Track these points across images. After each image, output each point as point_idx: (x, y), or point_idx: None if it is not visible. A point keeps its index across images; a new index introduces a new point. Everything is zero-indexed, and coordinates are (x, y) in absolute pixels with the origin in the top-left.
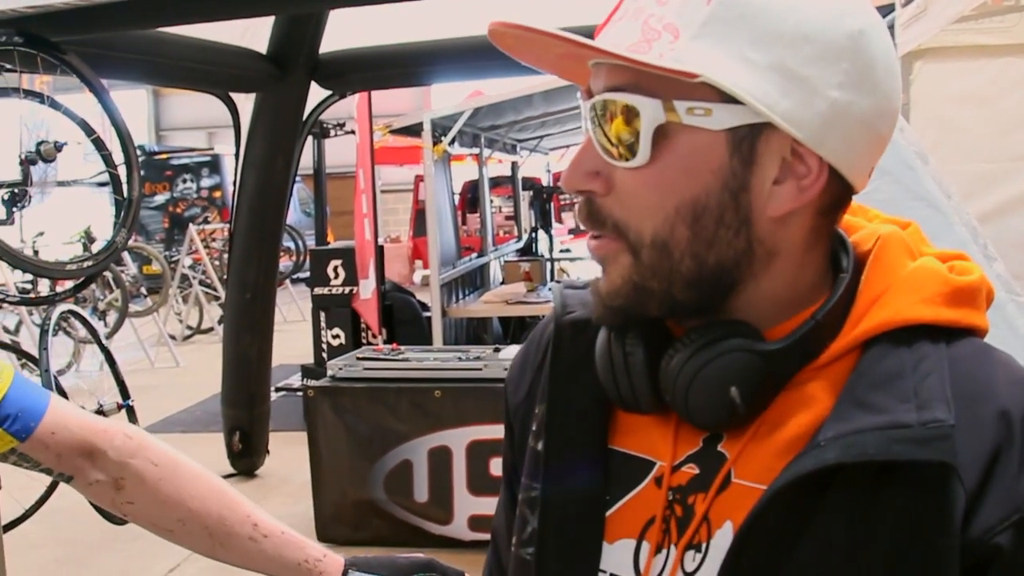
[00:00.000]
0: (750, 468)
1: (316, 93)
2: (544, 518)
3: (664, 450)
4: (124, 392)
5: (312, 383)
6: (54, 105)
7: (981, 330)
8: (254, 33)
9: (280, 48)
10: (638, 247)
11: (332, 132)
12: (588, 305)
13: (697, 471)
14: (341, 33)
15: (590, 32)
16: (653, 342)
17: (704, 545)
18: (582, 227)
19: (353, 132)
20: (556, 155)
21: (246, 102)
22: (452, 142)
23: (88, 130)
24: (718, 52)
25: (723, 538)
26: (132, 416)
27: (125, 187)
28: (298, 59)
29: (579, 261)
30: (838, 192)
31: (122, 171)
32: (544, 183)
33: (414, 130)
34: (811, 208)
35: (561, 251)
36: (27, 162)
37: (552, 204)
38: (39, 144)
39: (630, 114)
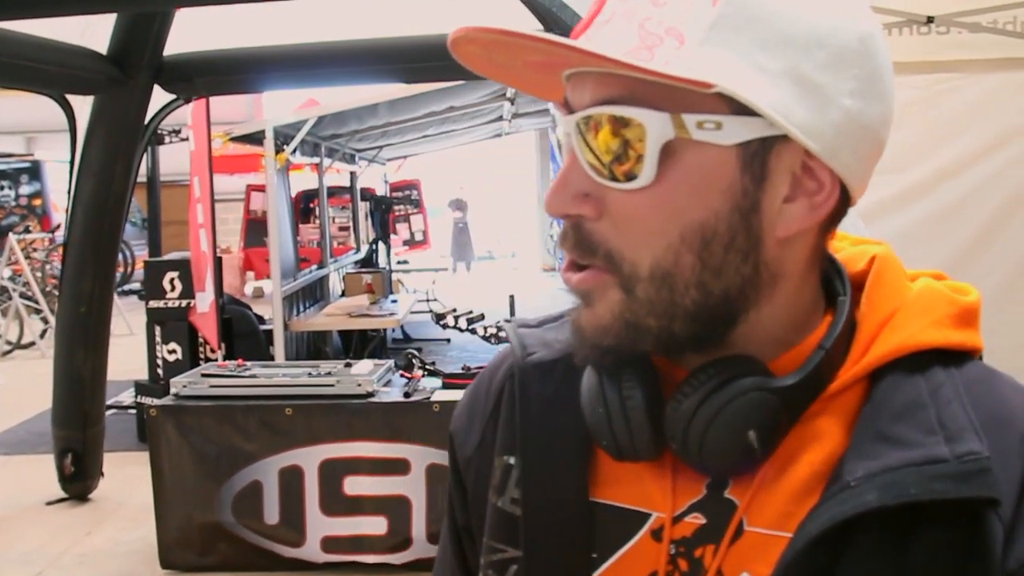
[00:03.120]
0: (764, 514)
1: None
2: None
3: (660, 500)
4: None
5: (153, 402)
6: None
7: (980, 351)
8: (94, 32)
9: (121, 49)
10: (632, 281)
11: (167, 139)
12: (549, 345)
13: (704, 521)
14: (186, 36)
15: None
16: (647, 383)
17: None
18: (563, 253)
19: (188, 139)
20: (393, 165)
21: (83, 105)
22: (293, 151)
23: None
24: (729, 59)
25: None
26: None
27: None
28: (141, 61)
29: (414, 273)
30: (840, 207)
31: None
32: (379, 194)
33: (256, 138)
34: (816, 226)
35: (399, 263)
36: None
37: (389, 215)
38: None
39: (630, 130)
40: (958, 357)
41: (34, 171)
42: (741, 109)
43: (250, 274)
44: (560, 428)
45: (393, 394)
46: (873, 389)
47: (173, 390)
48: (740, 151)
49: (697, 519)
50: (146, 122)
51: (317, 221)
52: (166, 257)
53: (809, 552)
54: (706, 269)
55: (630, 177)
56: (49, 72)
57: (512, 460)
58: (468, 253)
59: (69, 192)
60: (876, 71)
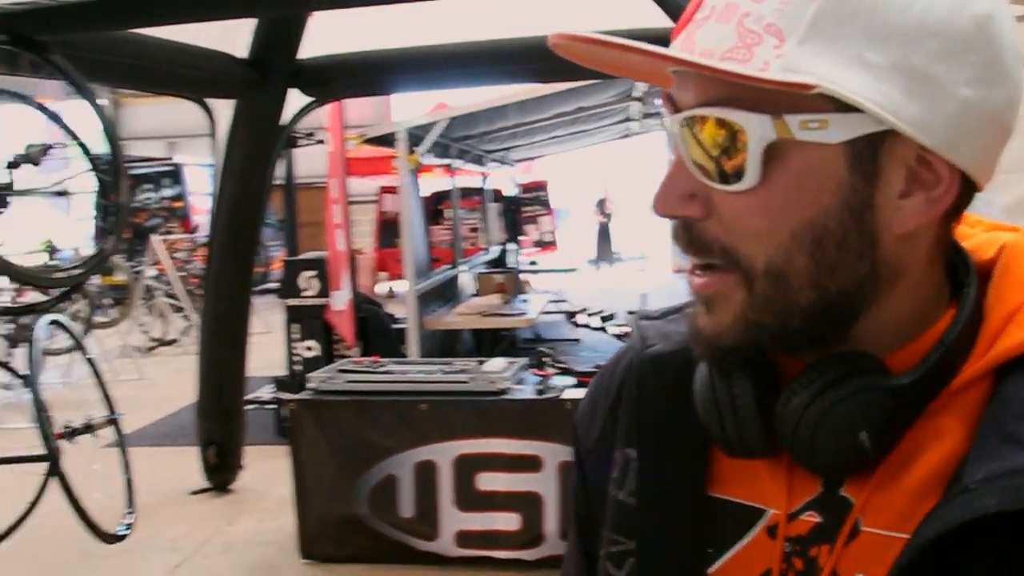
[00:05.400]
0: (882, 515)
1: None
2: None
3: (776, 497)
4: (110, 405)
5: (293, 396)
6: (41, 108)
7: None
8: (232, 38)
9: (260, 52)
10: (751, 276)
11: (301, 142)
12: (669, 337)
13: (819, 519)
14: (321, 40)
15: (665, 34)
16: (760, 379)
17: None
18: (682, 252)
19: (322, 142)
20: (522, 167)
21: (223, 108)
22: (425, 153)
23: (74, 134)
24: (831, 56)
25: None
26: (118, 429)
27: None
28: (278, 64)
29: (543, 273)
30: (963, 196)
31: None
32: (508, 195)
33: (388, 140)
34: (938, 219)
35: (530, 263)
36: (14, 165)
37: (518, 217)
38: (27, 147)
39: (732, 132)
40: None
41: (174, 174)
42: (847, 106)
43: (382, 274)
44: (678, 421)
45: (526, 392)
46: (999, 386)
47: (311, 385)
48: (848, 148)
49: (812, 517)
50: (283, 125)
51: (447, 222)
52: (303, 256)
53: (924, 556)
54: (820, 268)
55: (735, 179)
56: (189, 77)
57: (633, 453)
58: (608, 254)
59: (213, 194)
60: (997, 54)
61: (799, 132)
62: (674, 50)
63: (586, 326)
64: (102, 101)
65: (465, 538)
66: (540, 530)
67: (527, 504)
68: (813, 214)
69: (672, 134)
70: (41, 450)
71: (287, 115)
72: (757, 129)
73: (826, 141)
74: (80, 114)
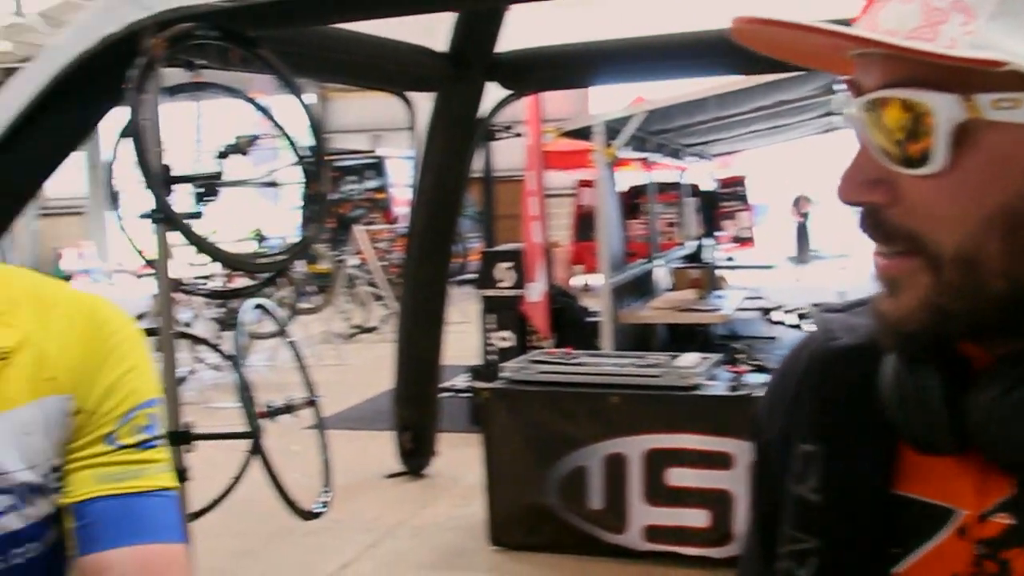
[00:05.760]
0: None
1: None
2: (822, 574)
3: (966, 497)
4: (310, 388)
5: (487, 385)
6: (251, 102)
7: None
8: (432, 33)
9: (459, 46)
10: (939, 263)
11: (499, 135)
12: (854, 330)
13: (1012, 521)
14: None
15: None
16: (950, 373)
17: None
18: (870, 239)
19: (519, 135)
20: (720, 161)
21: (421, 102)
22: (623, 146)
23: (282, 127)
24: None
25: None
26: (317, 411)
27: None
28: (476, 58)
29: (740, 270)
30: None
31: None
32: (705, 189)
33: (584, 133)
34: None
35: (726, 259)
36: (224, 155)
37: (714, 212)
38: (236, 138)
39: (919, 113)
40: None
41: (378, 167)
42: None
43: (579, 267)
44: (863, 416)
45: (718, 388)
46: None
47: (504, 375)
48: None
49: (1005, 519)
50: (481, 118)
51: (644, 216)
52: (500, 248)
53: None
54: (1014, 256)
55: (921, 162)
56: (391, 71)
57: (813, 448)
58: (806, 253)
59: (413, 186)
60: None
61: (991, 112)
62: (857, 29)
63: (781, 323)
64: (309, 96)
65: (653, 532)
66: (729, 528)
67: (717, 501)
68: (1007, 199)
69: (855, 119)
70: (245, 428)
71: (485, 108)
72: (945, 109)
73: (1021, 121)
74: (288, 108)
